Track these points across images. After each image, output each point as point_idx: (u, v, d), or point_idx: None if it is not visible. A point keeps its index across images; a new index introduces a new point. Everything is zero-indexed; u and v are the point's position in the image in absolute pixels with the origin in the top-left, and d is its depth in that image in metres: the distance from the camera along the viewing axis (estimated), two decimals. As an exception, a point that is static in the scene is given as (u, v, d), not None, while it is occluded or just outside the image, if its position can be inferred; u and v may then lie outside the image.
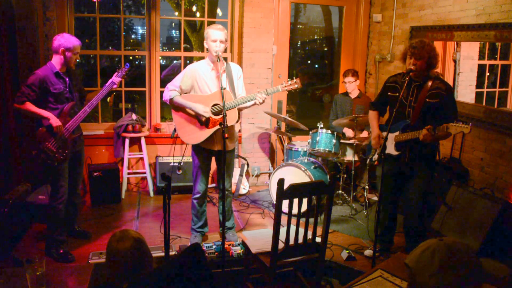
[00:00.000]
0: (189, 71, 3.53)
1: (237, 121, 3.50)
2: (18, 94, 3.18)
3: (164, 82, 5.12)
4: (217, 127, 3.43)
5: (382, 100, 3.54)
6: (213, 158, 3.71)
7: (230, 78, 3.50)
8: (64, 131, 3.28)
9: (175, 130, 3.63)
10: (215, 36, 3.35)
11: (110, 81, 3.55)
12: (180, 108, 3.53)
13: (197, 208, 3.72)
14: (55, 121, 3.21)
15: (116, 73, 3.62)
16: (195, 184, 3.68)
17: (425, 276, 1.39)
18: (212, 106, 3.45)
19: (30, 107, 3.19)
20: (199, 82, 3.50)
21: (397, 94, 3.30)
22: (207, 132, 3.47)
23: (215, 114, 3.44)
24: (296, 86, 3.38)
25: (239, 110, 3.56)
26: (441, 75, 4.66)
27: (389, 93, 3.42)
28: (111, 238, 1.84)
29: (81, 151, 3.60)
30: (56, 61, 3.30)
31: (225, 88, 3.30)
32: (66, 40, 3.28)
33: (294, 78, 3.39)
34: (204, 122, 3.48)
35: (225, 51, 5.34)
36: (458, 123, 2.91)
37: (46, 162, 3.24)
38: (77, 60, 3.38)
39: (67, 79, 3.36)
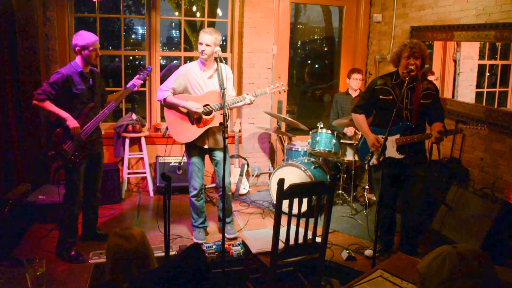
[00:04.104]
0: (181, 72, 3.60)
1: (226, 122, 3.55)
2: (39, 91, 3.10)
3: (162, 82, 5.10)
4: (208, 126, 3.54)
5: (370, 103, 3.44)
6: (207, 157, 3.76)
7: (221, 79, 3.53)
8: (81, 133, 3.22)
9: (167, 129, 3.69)
10: (200, 39, 3.49)
11: (130, 83, 3.49)
12: (172, 108, 3.60)
13: (196, 206, 3.74)
14: (72, 123, 3.14)
15: (137, 75, 3.53)
16: (190, 181, 3.71)
17: (435, 283, 1.34)
18: (204, 106, 3.53)
19: (49, 106, 3.11)
20: (191, 82, 3.59)
21: (391, 97, 3.28)
22: (198, 132, 3.54)
23: (206, 114, 3.53)
24: (283, 88, 3.63)
25: (230, 109, 3.74)
26: (431, 72, 4.65)
27: (380, 96, 3.33)
28: (113, 236, 1.79)
29: (100, 153, 3.53)
30: (78, 61, 3.25)
31: (225, 88, 3.37)
32: (80, 38, 3.21)
33: (280, 79, 3.55)
34: (195, 121, 3.53)
35: (225, 51, 5.36)
36: (475, 126, 3.07)
37: (62, 164, 3.19)
38: (98, 56, 3.29)
39: (90, 80, 3.32)
